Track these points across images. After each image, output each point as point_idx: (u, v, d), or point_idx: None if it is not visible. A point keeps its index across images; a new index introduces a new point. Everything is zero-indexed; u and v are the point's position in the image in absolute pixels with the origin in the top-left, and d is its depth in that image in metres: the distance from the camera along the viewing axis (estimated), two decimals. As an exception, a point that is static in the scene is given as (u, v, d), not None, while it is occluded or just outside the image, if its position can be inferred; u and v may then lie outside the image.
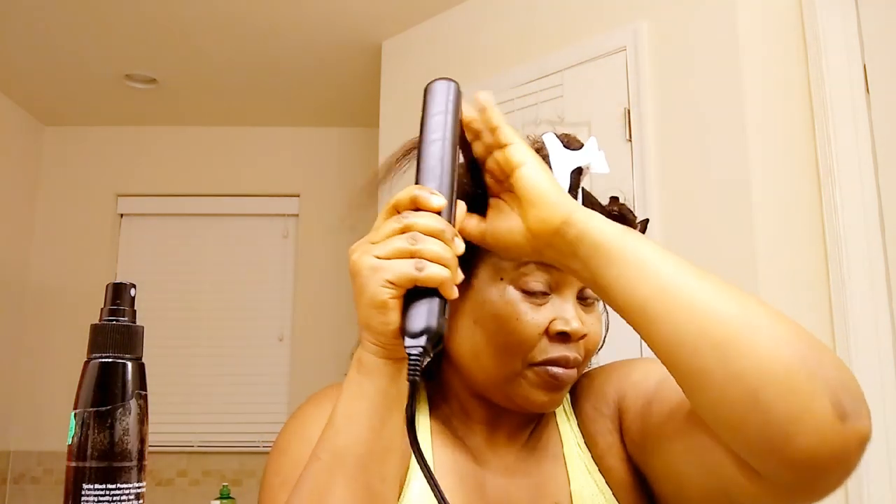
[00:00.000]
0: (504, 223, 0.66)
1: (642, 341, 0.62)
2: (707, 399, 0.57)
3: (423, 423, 0.79)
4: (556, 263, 0.66)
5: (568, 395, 0.83)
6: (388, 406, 0.62)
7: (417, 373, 0.56)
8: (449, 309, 0.59)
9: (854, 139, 1.87)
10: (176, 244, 3.83)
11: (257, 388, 3.67)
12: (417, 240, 0.58)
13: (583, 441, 0.79)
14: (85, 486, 0.50)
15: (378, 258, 0.58)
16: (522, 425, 0.80)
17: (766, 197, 1.91)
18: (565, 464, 0.78)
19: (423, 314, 0.57)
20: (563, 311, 0.74)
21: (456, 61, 2.73)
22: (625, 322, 0.63)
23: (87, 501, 0.50)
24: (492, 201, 0.68)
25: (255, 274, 3.80)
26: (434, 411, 0.80)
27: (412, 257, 0.58)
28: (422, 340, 0.57)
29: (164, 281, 3.73)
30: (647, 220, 0.84)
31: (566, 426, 0.81)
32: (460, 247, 0.60)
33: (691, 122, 2.05)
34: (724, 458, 0.61)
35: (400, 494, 0.72)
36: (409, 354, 0.57)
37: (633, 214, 0.83)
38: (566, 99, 2.31)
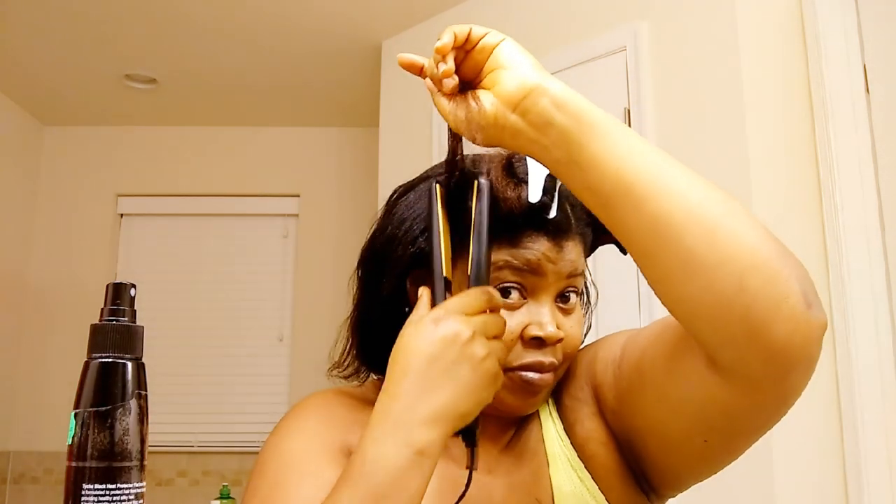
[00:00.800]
0: (472, 104, 0.65)
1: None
2: (693, 288, 0.57)
3: None
4: (521, 145, 0.63)
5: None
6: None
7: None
8: None
9: (854, 139, 1.87)
10: (176, 244, 3.83)
11: (257, 388, 3.67)
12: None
13: (565, 434, 0.78)
14: (85, 486, 0.50)
15: (489, 339, 0.64)
16: (505, 426, 0.80)
17: (765, 197, 1.91)
18: (547, 461, 0.77)
19: None
20: (539, 316, 0.73)
21: (456, 61, 2.73)
22: (596, 203, 0.61)
23: (87, 501, 0.50)
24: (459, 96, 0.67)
25: (255, 274, 3.80)
26: None
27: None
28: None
29: (164, 281, 3.72)
30: None
31: (548, 422, 0.80)
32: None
33: (691, 122, 2.05)
34: (694, 381, 0.62)
35: None
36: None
37: None
38: (566, 99, 2.30)
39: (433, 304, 0.66)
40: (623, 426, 0.74)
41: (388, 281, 0.77)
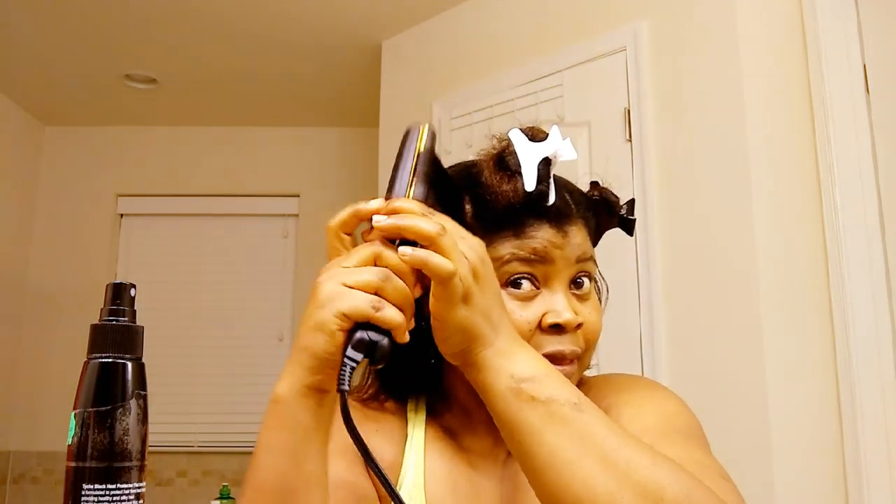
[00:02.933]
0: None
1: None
2: None
3: (418, 432, 0.78)
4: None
5: None
6: (310, 438, 0.60)
7: (345, 383, 0.56)
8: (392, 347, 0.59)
9: (854, 139, 1.87)
10: (176, 244, 3.83)
11: (257, 388, 3.67)
12: (386, 277, 0.57)
13: None
14: (85, 486, 0.50)
15: (344, 285, 0.57)
16: None
17: (766, 197, 1.91)
18: None
19: (365, 344, 0.57)
20: (554, 304, 0.73)
21: (456, 61, 2.73)
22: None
23: (87, 501, 0.50)
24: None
25: (255, 274, 3.80)
26: (433, 419, 0.79)
27: (375, 293, 0.57)
28: (359, 356, 0.57)
29: (164, 281, 3.72)
30: (632, 201, 0.82)
31: None
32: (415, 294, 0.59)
33: (691, 122, 2.05)
34: None
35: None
36: (344, 363, 0.57)
37: (616, 196, 0.81)
38: (566, 99, 2.31)
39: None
40: None
41: None
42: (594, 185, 0.81)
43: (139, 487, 0.52)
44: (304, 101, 3.62)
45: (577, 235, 0.75)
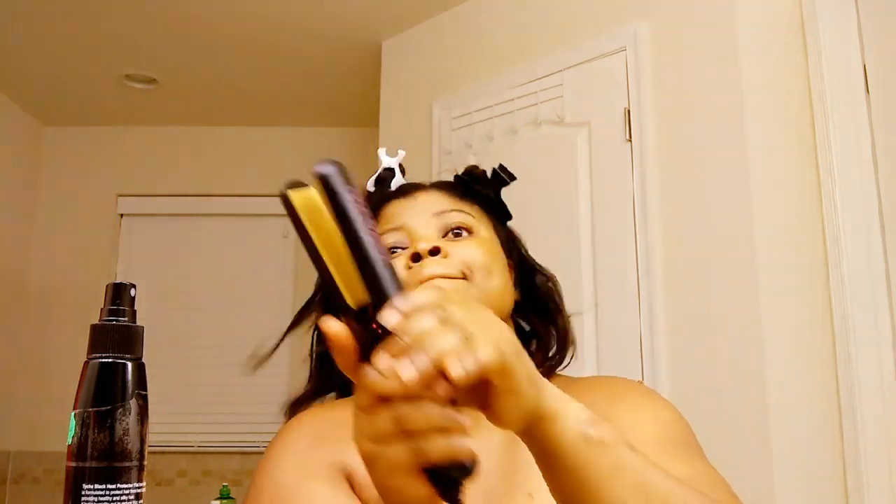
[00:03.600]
0: None
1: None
2: None
3: None
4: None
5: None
6: None
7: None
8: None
9: (854, 139, 1.87)
10: (176, 244, 3.83)
11: (257, 388, 3.67)
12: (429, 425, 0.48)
13: None
14: (85, 486, 0.50)
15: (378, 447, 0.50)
16: None
17: (765, 197, 1.91)
18: None
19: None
20: (413, 244, 0.81)
21: (456, 61, 2.73)
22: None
23: (87, 501, 0.50)
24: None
25: (255, 274, 3.80)
26: None
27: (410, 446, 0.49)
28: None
29: (164, 281, 3.72)
30: (500, 165, 0.91)
31: None
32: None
33: (691, 122, 2.05)
34: None
35: None
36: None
37: (475, 166, 0.91)
38: (566, 99, 2.31)
39: (361, 350, 0.50)
40: None
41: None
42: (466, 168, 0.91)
43: (139, 487, 0.52)
44: (304, 101, 3.62)
45: (428, 198, 0.86)
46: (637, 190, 2.10)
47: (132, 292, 0.55)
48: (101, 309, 0.54)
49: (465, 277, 0.79)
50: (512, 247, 0.90)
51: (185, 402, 3.59)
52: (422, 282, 0.77)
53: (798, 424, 1.80)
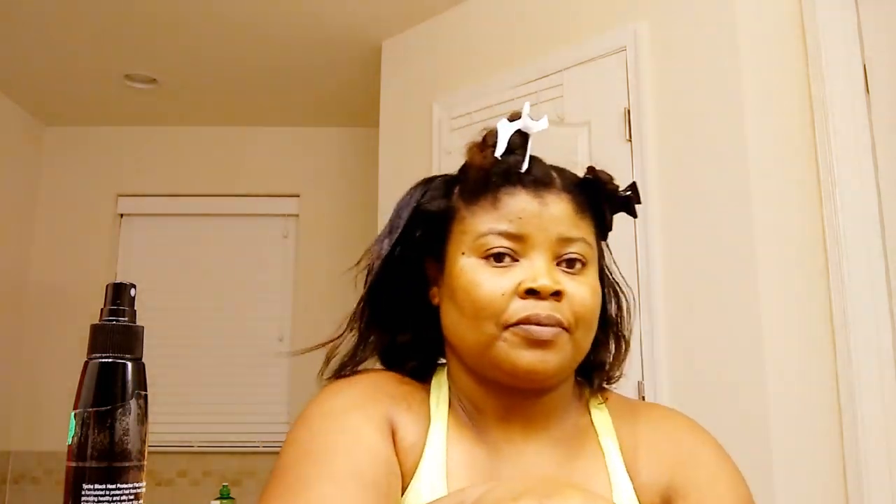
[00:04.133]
0: None
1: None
2: None
3: (440, 421, 0.77)
4: None
5: (609, 415, 0.81)
6: None
7: None
8: None
9: (854, 139, 1.87)
10: (176, 244, 3.83)
11: (257, 388, 3.67)
12: None
13: (623, 464, 0.77)
14: (85, 486, 0.50)
15: None
16: (537, 416, 0.78)
17: (765, 197, 1.91)
18: (608, 473, 0.76)
19: None
20: (531, 271, 0.72)
21: (456, 61, 2.73)
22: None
23: (87, 501, 0.50)
24: None
25: (255, 274, 3.80)
26: (453, 407, 0.79)
27: None
28: None
29: (164, 281, 3.72)
30: (634, 184, 0.81)
31: (608, 441, 0.79)
32: None
33: (691, 122, 2.05)
34: None
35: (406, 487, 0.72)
36: None
37: (609, 176, 0.80)
38: (566, 99, 2.31)
39: None
40: None
41: (403, 261, 0.79)
42: (589, 168, 0.80)
43: (139, 487, 0.52)
44: (304, 101, 3.62)
45: (557, 207, 0.74)
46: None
47: (132, 292, 0.55)
48: (101, 309, 0.54)
49: (568, 329, 0.72)
50: (602, 264, 0.83)
51: (185, 402, 3.59)
52: (521, 320, 0.71)
53: (798, 424, 1.80)
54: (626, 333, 0.84)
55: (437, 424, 0.76)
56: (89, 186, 3.82)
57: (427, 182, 0.82)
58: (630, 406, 0.84)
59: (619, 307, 0.84)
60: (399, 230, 0.80)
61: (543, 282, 0.71)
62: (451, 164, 0.85)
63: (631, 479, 0.76)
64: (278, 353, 3.65)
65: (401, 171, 2.85)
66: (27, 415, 3.56)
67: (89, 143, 3.87)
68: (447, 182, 0.81)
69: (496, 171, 0.75)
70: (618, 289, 0.85)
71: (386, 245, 0.80)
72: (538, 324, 0.71)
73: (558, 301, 0.72)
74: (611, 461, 0.77)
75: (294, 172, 3.87)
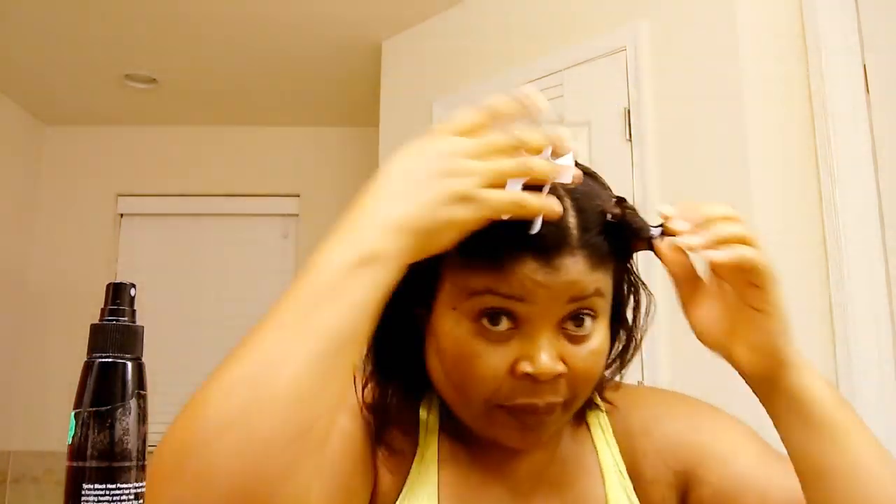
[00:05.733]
0: (712, 310, 0.69)
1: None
2: None
3: (431, 443, 0.72)
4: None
5: (606, 419, 0.78)
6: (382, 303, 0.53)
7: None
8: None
9: (854, 139, 1.87)
10: (176, 244, 3.83)
11: (257, 388, 3.67)
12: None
13: (625, 469, 0.74)
14: (85, 486, 0.50)
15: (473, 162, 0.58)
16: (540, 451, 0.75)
17: (766, 197, 1.91)
18: (605, 489, 0.73)
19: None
20: (530, 348, 0.62)
21: (456, 61, 2.73)
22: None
23: (87, 501, 0.50)
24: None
25: (255, 274, 3.80)
26: (445, 429, 0.74)
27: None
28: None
29: (164, 281, 3.72)
30: (661, 226, 0.67)
31: (606, 454, 0.75)
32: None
33: (691, 122, 2.05)
34: None
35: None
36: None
37: (642, 221, 0.68)
38: (566, 99, 2.31)
39: None
40: None
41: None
42: (620, 202, 0.66)
43: (139, 487, 0.52)
44: (304, 101, 3.62)
45: (573, 270, 0.61)
46: (637, 190, 2.10)
47: (132, 292, 0.55)
48: (101, 309, 0.54)
49: (565, 403, 0.65)
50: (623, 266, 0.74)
51: (185, 402, 3.58)
52: (515, 407, 0.63)
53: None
54: (638, 335, 0.75)
55: (426, 454, 0.72)
56: (89, 186, 3.82)
57: None
58: (627, 403, 0.80)
59: (637, 306, 0.77)
60: None
61: (544, 363, 0.61)
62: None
63: (634, 480, 0.74)
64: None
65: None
66: (27, 415, 3.56)
67: (89, 142, 3.87)
68: None
69: (500, 227, 0.58)
70: (639, 286, 0.77)
71: None
72: (534, 413, 0.64)
73: (558, 379, 0.63)
74: (608, 474, 0.74)
75: (294, 172, 3.87)
